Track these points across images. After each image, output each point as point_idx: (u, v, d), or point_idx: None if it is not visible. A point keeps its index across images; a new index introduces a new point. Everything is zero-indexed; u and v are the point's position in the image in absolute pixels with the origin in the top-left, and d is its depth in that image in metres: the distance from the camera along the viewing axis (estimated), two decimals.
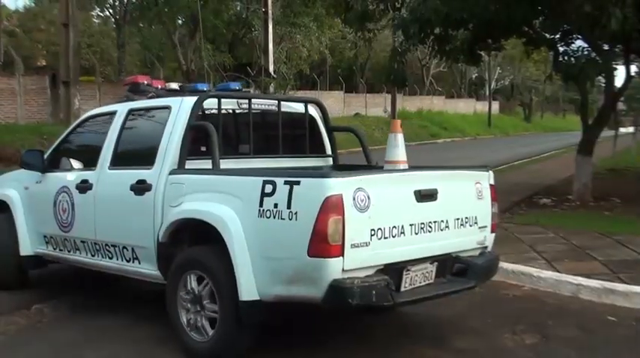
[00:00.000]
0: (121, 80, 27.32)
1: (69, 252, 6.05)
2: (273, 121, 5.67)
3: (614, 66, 11.66)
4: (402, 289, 4.42)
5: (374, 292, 4.09)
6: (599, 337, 5.33)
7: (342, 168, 6.00)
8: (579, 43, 11.63)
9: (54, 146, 6.51)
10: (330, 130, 6.17)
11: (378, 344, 5.15)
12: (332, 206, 3.94)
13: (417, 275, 4.53)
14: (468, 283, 4.86)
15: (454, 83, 58.71)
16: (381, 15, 12.93)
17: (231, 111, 5.55)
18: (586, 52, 10.84)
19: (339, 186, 4.00)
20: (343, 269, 3.99)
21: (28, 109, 22.47)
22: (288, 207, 4.07)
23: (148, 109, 5.69)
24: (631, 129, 23.41)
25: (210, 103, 5.27)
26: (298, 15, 27.17)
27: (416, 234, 4.43)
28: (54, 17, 35.59)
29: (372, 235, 4.13)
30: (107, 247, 5.56)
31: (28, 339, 5.40)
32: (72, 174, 5.97)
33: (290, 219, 4.06)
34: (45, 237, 6.30)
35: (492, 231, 5.17)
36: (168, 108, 5.31)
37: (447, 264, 4.79)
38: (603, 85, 12.57)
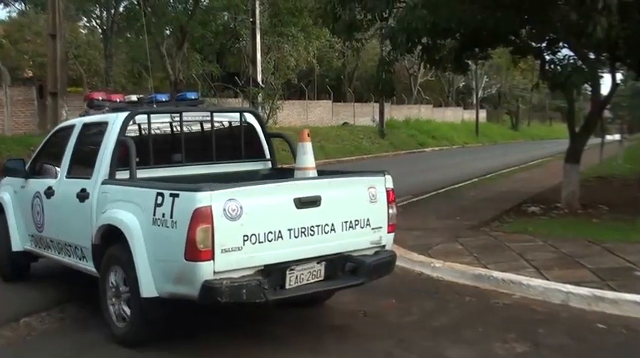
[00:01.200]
0: (109, 91, 27.31)
1: (44, 249, 6.78)
2: (208, 131, 6.32)
3: (600, 74, 11.75)
4: (288, 286, 4.92)
5: (244, 291, 4.61)
6: (590, 345, 5.34)
7: (276, 171, 6.58)
8: (565, 51, 11.73)
9: (34, 154, 7.25)
10: (267, 136, 6.73)
11: (378, 355, 5.16)
12: (201, 216, 4.51)
13: (302, 273, 5.03)
14: (356, 280, 5.33)
15: (442, 92, 58.91)
16: (369, 25, 12.95)
17: (168, 123, 6.16)
18: (572, 61, 10.90)
19: (208, 198, 4.55)
20: (214, 271, 4.54)
21: (15, 121, 22.35)
22: (171, 216, 4.68)
23: (95, 124, 6.21)
24: (617, 137, 23.60)
25: (154, 116, 5.97)
26: (286, 25, 27.21)
27: (296, 237, 4.92)
28: (40, 28, 35.42)
29: (244, 240, 4.66)
30: (66, 246, 6.27)
31: (16, 354, 5.35)
32: (42, 181, 6.66)
33: (172, 228, 4.67)
34: (30, 235, 7.04)
35: (390, 232, 5.61)
36: (106, 123, 5.91)
37: (338, 263, 5.26)
38: (590, 92, 12.62)
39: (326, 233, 5.13)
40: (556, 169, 15.46)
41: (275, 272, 4.85)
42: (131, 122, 5.76)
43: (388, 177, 5.72)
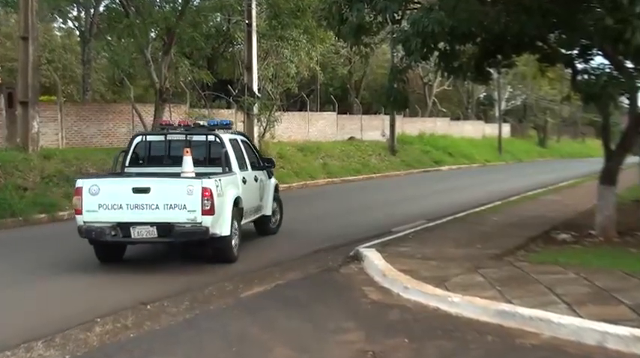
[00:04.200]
0: (86, 100, 27.37)
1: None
2: (186, 146, 11.22)
3: (639, 84, 11.72)
4: (132, 236, 10.08)
5: (93, 232, 10.07)
6: None
7: (200, 173, 10.72)
8: (600, 59, 11.72)
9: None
10: (226, 152, 11.54)
11: None
12: (77, 192, 10.14)
13: (141, 231, 10.04)
14: (171, 238, 10.18)
15: (460, 103, 59.08)
16: (379, 28, 12.97)
17: (163, 138, 11.97)
18: (608, 70, 10.91)
19: (82, 182, 10.19)
20: (84, 221, 10.09)
21: None
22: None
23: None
24: None
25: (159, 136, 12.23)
26: (286, 27, 27.32)
27: (131, 209, 9.98)
28: (10, 30, 35.68)
29: (99, 207, 10.02)
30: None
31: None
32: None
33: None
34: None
35: (204, 214, 9.95)
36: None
37: (167, 228, 10.01)
38: (627, 105, 12.61)
39: (152, 209, 9.98)
40: (589, 191, 15.42)
41: (122, 227, 10.07)
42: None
43: (205, 180, 10.06)
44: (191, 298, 8.55)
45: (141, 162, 11.75)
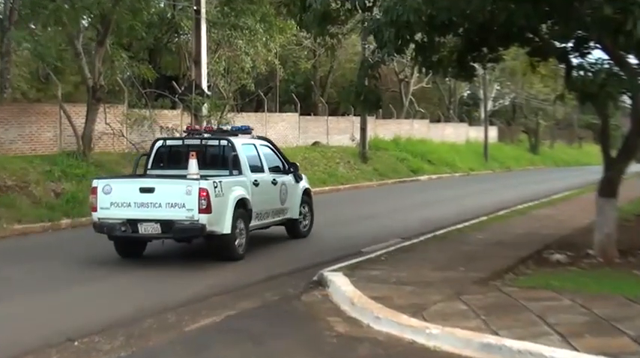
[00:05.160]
0: (4, 100, 26.89)
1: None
2: (202, 150, 14.13)
3: None
4: (140, 232, 12.53)
5: (105, 228, 12.76)
6: None
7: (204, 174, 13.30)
8: (598, 53, 11.83)
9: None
10: (235, 155, 13.89)
11: None
12: (92, 191, 12.96)
13: (147, 227, 12.47)
14: (172, 235, 12.72)
15: (440, 103, 59.50)
16: (347, 16, 12.99)
17: (181, 143, 14.83)
18: (607, 65, 11.01)
19: (97, 182, 13.07)
20: (98, 218, 12.88)
21: None
22: None
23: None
24: None
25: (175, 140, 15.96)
26: (240, 14, 27.19)
27: (138, 207, 12.48)
28: None
29: (111, 204, 12.68)
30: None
31: None
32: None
33: None
34: None
35: (200, 212, 12.26)
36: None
37: (168, 224, 12.38)
38: (629, 106, 12.75)
39: (156, 207, 12.45)
40: (587, 205, 15.55)
41: (131, 223, 12.53)
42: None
43: (203, 182, 12.47)
44: (127, 332, 8.40)
45: (162, 164, 14.39)
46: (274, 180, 14.96)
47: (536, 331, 7.50)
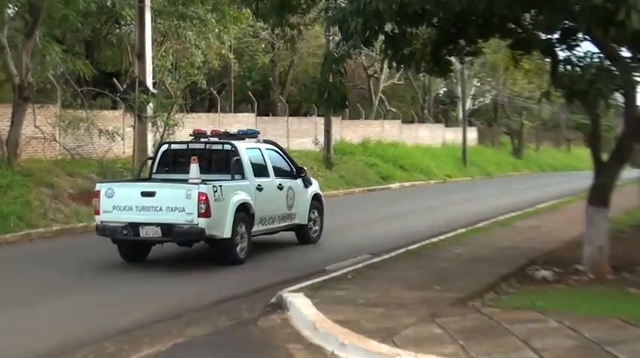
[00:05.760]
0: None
1: None
2: (206, 154, 15.71)
3: (637, 79, 11.92)
4: (141, 235, 13.98)
5: (108, 230, 14.29)
6: None
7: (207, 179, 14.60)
8: (587, 46, 11.89)
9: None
10: (237, 159, 15.28)
11: None
12: (95, 195, 14.57)
13: (148, 231, 13.90)
14: (171, 238, 14.14)
15: (414, 102, 59.84)
16: (309, 4, 12.96)
17: (186, 147, 16.28)
18: (597, 60, 11.07)
19: (100, 186, 14.67)
20: (101, 221, 14.40)
21: None
22: None
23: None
24: None
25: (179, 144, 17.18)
26: (189, 3, 27.08)
27: (140, 211, 14.03)
28: None
29: (113, 208, 14.22)
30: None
31: None
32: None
33: None
34: None
35: (200, 216, 13.54)
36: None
37: (168, 228, 13.78)
38: (622, 105, 12.82)
39: (157, 211, 13.84)
40: (576, 215, 15.61)
41: (133, 226, 13.92)
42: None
43: (202, 186, 13.78)
44: None
45: (167, 169, 15.89)
46: (280, 184, 16.35)
47: (520, 357, 7.50)
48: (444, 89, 61.72)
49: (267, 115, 40.40)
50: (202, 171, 14.58)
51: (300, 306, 9.88)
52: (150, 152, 24.38)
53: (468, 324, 8.87)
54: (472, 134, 58.10)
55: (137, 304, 11.26)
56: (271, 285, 12.08)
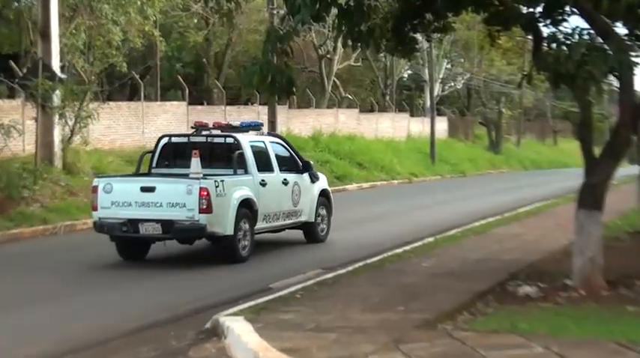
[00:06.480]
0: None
1: None
2: (207, 147, 17.49)
3: (635, 59, 11.99)
4: (141, 232, 15.76)
5: (106, 227, 16.14)
6: None
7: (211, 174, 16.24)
8: (576, 21, 11.94)
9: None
10: (240, 154, 16.82)
11: None
12: (93, 190, 16.51)
13: (148, 227, 15.71)
14: (172, 235, 15.96)
15: (374, 87, 60.04)
16: None
17: (187, 140, 18.01)
18: (587, 37, 11.12)
19: (98, 181, 16.67)
20: (99, 218, 16.25)
21: None
22: None
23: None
24: None
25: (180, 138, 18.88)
26: None
27: (139, 207, 15.79)
28: None
29: (112, 204, 16.00)
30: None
31: None
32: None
33: None
34: None
35: (201, 212, 15.21)
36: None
37: (169, 224, 15.53)
38: (617, 90, 12.89)
39: (157, 207, 15.60)
40: (563, 220, 15.72)
41: (132, 223, 15.69)
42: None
43: (203, 181, 15.27)
44: None
45: (167, 163, 17.59)
46: (285, 179, 17.98)
47: None
48: (409, 72, 62.12)
49: (201, 104, 40.36)
50: (204, 165, 16.02)
51: (240, 332, 9.82)
52: (57, 148, 24.17)
53: (438, 350, 8.86)
54: (442, 125, 58.50)
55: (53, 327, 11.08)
56: (204, 307, 12.05)
